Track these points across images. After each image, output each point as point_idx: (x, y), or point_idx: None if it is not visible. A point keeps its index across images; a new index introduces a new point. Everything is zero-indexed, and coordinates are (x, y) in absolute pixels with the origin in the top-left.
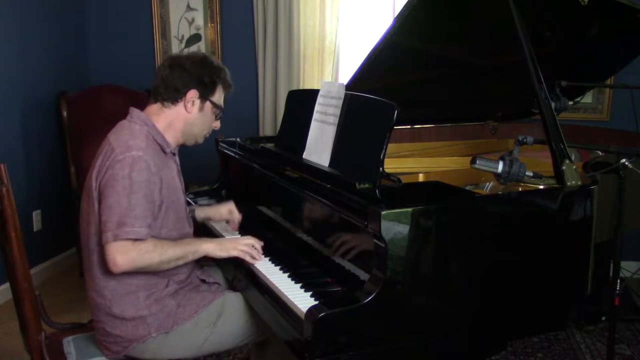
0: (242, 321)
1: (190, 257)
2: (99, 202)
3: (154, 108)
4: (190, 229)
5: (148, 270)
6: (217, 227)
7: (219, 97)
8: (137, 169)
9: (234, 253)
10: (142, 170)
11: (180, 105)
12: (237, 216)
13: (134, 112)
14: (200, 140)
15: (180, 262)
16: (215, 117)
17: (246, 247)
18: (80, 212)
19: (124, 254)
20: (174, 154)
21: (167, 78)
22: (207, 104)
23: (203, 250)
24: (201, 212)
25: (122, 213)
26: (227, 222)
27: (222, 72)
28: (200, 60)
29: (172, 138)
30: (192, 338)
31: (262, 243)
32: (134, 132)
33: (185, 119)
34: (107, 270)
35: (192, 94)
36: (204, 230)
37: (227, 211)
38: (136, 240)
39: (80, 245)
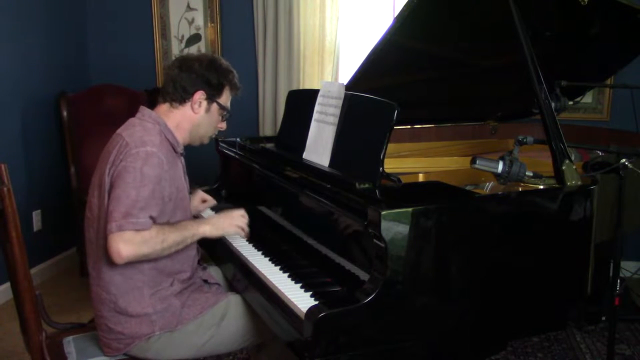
0: (244, 323)
1: (189, 241)
2: (109, 194)
3: (163, 108)
4: None
5: (151, 258)
6: (205, 216)
7: (225, 98)
8: (149, 164)
9: (230, 230)
10: (155, 165)
11: (188, 106)
12: (212, 202)
13: (145, 110)
14: (206, 141)
15: (181, 247)
16: (222, 118)
17: (239, 221)
18: (88, 207)
19: (127, 242)
20: (182, 154)
21: (176, 78)
22: (214, 106)
23: (201, 233)
24: None
25: (128, 204)
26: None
27: (230, 74)
28: (209, 62)
29: (181, 138)
30: (195, 338)
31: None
32: (148, 129)
33: (192, 119)
34: (114, 265)
35: (199, 95)
36: None
37: (199, 201)
38: (140, 230)
39: (86, 241)
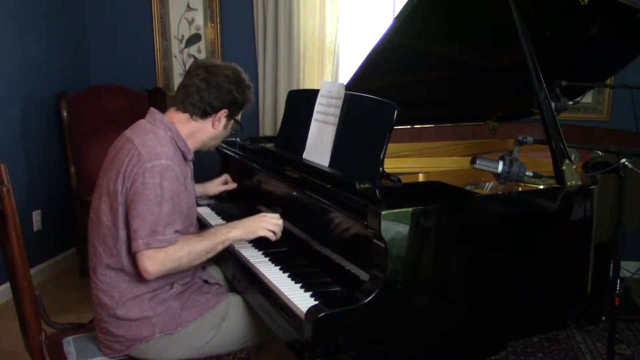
0: (245, 324)
1: (220, 247)
2: (128, 210)
3: (181, 117)
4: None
5: (181, 269)
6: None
7: (241, 114)
8: (167, 178)
9: (261, 233)
10: (172, 179)
11: (209, 120)
12: (232, 185)
13: (156, 115)
14: (212, 149)
15: (211, 255)
16: (231, 129)
17: (270, 225)
18: (93, 210)
19: (152, 260)
20: (191, 161)
21: (203, 92)
22: (232, 122)
23: (232, 237)
24: (199, 188)
25: (153, 221)
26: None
27: (249, 90)
28: (236, 80)
29: (192, 146)
30: (196, 340)
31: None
32: (160, 137)
33: (209, 133)
34: (120, 272)
35: (223, 113)
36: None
37: (222, 181)
38: (166, 247)
39: (89, 244)
